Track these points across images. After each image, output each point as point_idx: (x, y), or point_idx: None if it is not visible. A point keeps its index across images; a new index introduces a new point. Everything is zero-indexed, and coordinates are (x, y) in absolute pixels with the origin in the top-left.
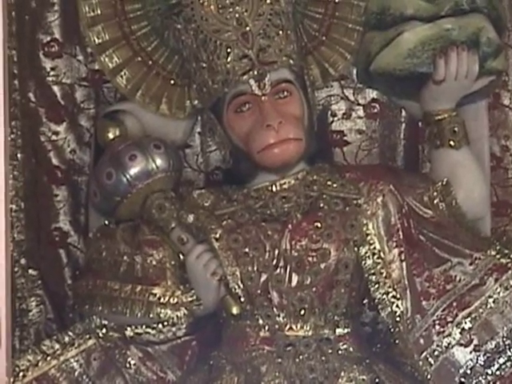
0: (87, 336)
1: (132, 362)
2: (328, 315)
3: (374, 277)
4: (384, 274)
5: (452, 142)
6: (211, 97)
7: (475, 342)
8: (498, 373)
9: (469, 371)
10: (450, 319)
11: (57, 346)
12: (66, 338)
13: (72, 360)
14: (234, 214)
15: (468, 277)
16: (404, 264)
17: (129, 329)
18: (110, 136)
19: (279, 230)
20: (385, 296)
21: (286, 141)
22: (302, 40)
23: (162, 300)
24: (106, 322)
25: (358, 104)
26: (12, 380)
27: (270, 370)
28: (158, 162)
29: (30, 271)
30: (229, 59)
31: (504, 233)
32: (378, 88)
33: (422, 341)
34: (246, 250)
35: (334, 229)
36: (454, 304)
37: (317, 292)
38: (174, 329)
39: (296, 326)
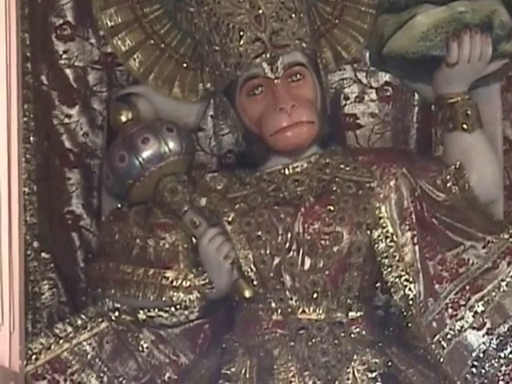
0: (100, 319)
1: (145, 345)
2: (341, 298)
3: (386, 260)
4: (397, 258)
5: (465, 126)
6: (224, 80)
7: (488, 325)
8: (510, 356)
9: (481, 354)
10: (462, 302)
11: (69, 329)
12: (79, 321)
13: (85, 343)
14: (246, 197)
15: (481, 260)
16: (417, 247)
17: (141, 312)
18: (123, 119)
19: (292, 214)
20: (397, 279)
21: (298, 124)
22: (314, 23)
23: (174, 283)
24: (118, 305)
25: (371, 87)
26: (25, 363)
27: (283, 354)
28: (171, 145)
29: (43, 254)
30: (241, 42)
31: None
32: (390, 71)
33: (434, 324)
34: (259, 233)
35: (346, 212)
36: (467, 287)
37: (329, 275)
38: (186, 312)
39: (309, 310)
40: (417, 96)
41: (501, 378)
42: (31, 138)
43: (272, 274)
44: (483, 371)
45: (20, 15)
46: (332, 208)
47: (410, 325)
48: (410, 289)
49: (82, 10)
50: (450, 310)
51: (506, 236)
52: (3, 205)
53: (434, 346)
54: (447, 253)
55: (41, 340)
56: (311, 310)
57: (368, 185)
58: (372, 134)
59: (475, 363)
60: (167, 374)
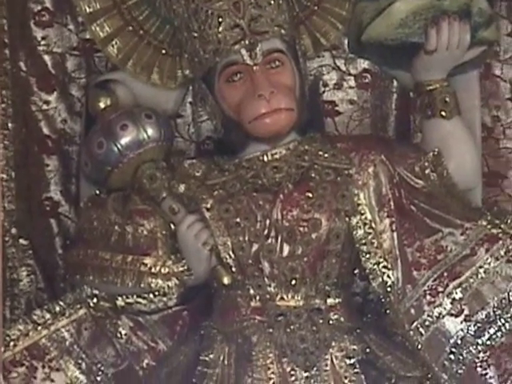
0: (78, 306)
1: (123, 332)
2: (319, 285)
3: (365, 247)
4: (375, 244)
5: (443, 113)
6: (202, 66)
7: (466, 312)
8: (488, 343)
9: (459, 341)
10: (440, 289)
11: (47, 316)
12: (57, 308)
13: (63, 330)
14: (225, 184)
15: (459, 247)
16: (395, 234)
17: (120, 299)
18: (101, 106)
19: (270, 200)
20: (376, 266)
21: (277, 111)
22: (293, 10)
23: (153, 270)
24: (96, 292)
25: (350, 74)
26: (3, 349)
27: (261, 340)
28: (149, 131)
29: (21, 241)
30: (220, 29)
31: (495, 203)
32: (369, 58)
33: (412, 311)
34: (237, 220)
35: (325, 199)
36: (445, 274)
37: (308, 262)
38: (165, 299)
39: (287, 296)
40: (395, 83)
41: (478, 364)
42: (9, 125)
43: (250, 261)
44: (461, 358)
45: None
46: (310, 195)
47: (388, 311)
48: (388, 275)
49: None
50: (428, 297)
51: (484, 223)
52: None
53: (412, 332)
54: (425, 239)
55: (19, 326)
56: (290, 296)
57: (346, 172)
58: (351, 120)
59: (453, 350)
60: (145, 361)
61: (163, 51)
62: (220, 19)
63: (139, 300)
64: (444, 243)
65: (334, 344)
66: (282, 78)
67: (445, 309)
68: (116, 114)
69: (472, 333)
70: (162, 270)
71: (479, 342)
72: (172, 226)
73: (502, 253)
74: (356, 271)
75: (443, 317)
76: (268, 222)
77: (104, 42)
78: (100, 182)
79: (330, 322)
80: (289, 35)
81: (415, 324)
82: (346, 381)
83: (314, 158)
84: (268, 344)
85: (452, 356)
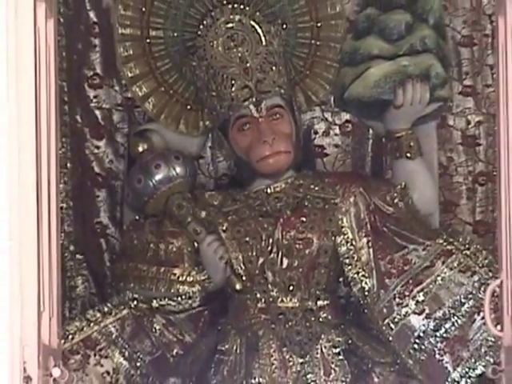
0: (122, 307)
1: (157, 327)
2: (311, 290)
3: (347, 260)
4: (355, 258)
5: (408, 154)
6: (219, 118)
7: (427, 311)
8: (444, 335)
9: (422, 334)
10: (407, 293)
11: (98, 315)
12: (105, 309)
13: (110, 326)
14: (237, 210)
15: (421, 260)
16: (371, 250)
17: (154, 301)
18: (140, 149)
19: (273, 223)
20: (356, 275)
21: (278, 153)
22: (290, 74)
23: (180, 278)
24: (136, 296)
25: (335, 124)
26: (63, 341)
27: (266, 334)
28: (178, 169)
29: (77, 256)
30: (233, 89)
31: (449, 225)
32: (350, 111)
33: (385, 310)
34: (247, 239)
35: (316, 222)
36: (410, 281)
37: (302, 272)
38: (190, 301)
39: (286, 299)
40: (371, 131)
41: (437, 352)
42: (68, 165)
43: (257, 271)
44: (423, 347)
45: (59, 68)
46: (304, 219)
47: (365, 311)
48: (365, 282)
49: (108, 63)
50: (397, 300)
51: (441, 241)
52: (44, 218)
53: (384, 327)
54: (395, 254)
55: (75, 323)
56: (288, 299)
57: (333, 201)
58: (336, 161)
59: (417, 341)
60: (175, 350)
61: (188, 107)
62: (233, 81)
63: (170, 302)
64: (409, 257)
65: (323, 337)
66: (281, 127)
67: (410, 309)
68: (151, 156)
69: (432, 327)
70: (188, 279)
71: (437, 334)
72: (195, 244)
73: (455, 264)
74: (340, 279)
75: (409, 315)
76: (271, 240)
77: (142, 99)
78: (139, 210)
79: (320, 319)
80: (287, 94)
81: (387, 321)
82: (333, 365)
83: (307, 190)
84: (271, 337)
85: (416, 346)
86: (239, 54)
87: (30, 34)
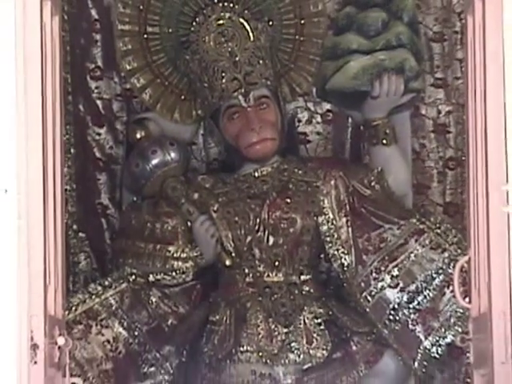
0: (121, 281)
1: (153, 300)
2: (295, 266)
3: (328, 238)
4: (335, 236)
5: (384, 141)
6: (211, 108)
7: (401, 285)
8: (417, 307)
9: (396, 306)
10: (383, 269)
11: (99, 288)
12: (106, 282)
13: (110, 298)
14: (227, 193)
15: (396, 238)
16: (350, 229)
17: (151, 276)
18: (138, 136)
19: (260, 205)
20: (336, 252)
21: (264, 140)
22: (276, 67)
23: (175, 255)
24: (134, 271)
25: (317, 113)
26: (67, 313)
27: (253, 306)
28: (172, 155)
29: (80, 234)
30: (223, 81)
31: (422, 206)
32: (331, 101)
33: (362, 284)
34: (236, 218)
35: (299, 203)
36: (386, 258)
37: (287, 249)
38: (183, 276)
39: (272, 274)
40: (350, 120)
41: (410, 322)
42: (71, 150)
43: (245, 249)
44: (397, 318)
45: (63, 61)
46: (289, 201)
47: (344, 285)
48: (345, 259)
49: (109, 57)
50: (373, 274)
51: (414, 220)
52: (50, 199)
53: (362, 300)
54: (372, 233)
55: (78, 296)
56: (274, 274)
57: (315, 184)
58: (318, 147)
59: (392, 312)
60: (170, 321)
61: (182, 97)
62: (223, 74)
63: (165, 277)
64: (385, 235)
65: (305, 308)
66: (267, 116)
67: (386, 283)
68: (148, 143)
69: (405, 300)
70: (182, 255)
71: (410, 306)
72: (189, 223)
73: (427, 242)
74: (322, 255)
75: (384, 288)
76: (258, 220)
77: (140, 90)
78: (137, 192)
79: (303, 292)
80: (273, 85)
81: (364, 294)
82: (315, 335)
83: (291, 174)
84: (258, 308)
85: (391, 317)
86: (229, 49)
87: (36, 30)
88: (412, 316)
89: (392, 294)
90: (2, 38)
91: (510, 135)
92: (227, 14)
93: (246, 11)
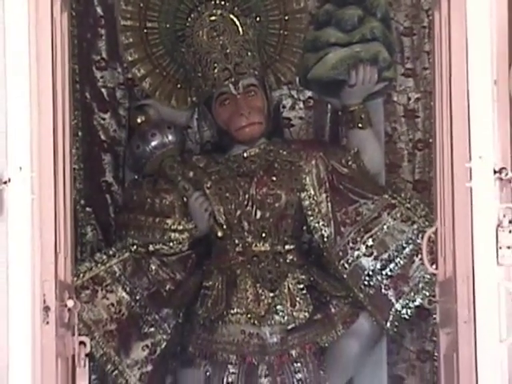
0: (124, 251)
1: (153, 267)
2: (280, 237)
3: (309, 212)
4: (316, 210)
5: (360, 125)
6: (204, 95)
7: (375, 254)
8: (389, 274)
9: (370, 273)
10: (358, 239)
11: (104, 257)
12: (110, 252)
13: (114, 266)
14: (219, 171)
15: (370, 212)
16: (329, 204)
17: (151, 246)
18: (139, 121)
19: (248, 182)
20: (317, 224)
21: (252, 124)
22: (263, 58)
23: (172, 227)
24: (135, 242)
25: (300, 100)
26: (75, 279)
27: (243, 273)
28: (170, 137)
29: (87, 209)
30: (215, 71)
31: (393, 183)
32: (312, 89)
33: (340, 253)
34: (227, 194)
35: (284, 181)
36: (362, 229)
37: (273, 222)
38: (180, 246)
39: (259, 244)
40: (329, 106)
41: (383, 287)
42: (79, 133)
43: (235, 221)
44: (371, 283)
45: (71, 53)
46: (274, 178)
47: (324, 254)
48: (324, 231)
49: (112, 50)
50: (350, 244)
51: (387, 196)
52: (60, 177)
53: (340, 267)
54: (349, 207)
55: (86, 264)
56: (261, 244)
57: (297, 163)
58: (300, 130)
59: (366, 278)
60: (167, 286)
61: (178, 85)
62: (215, 65)
63: (163, 247)
64: (361, 209)
65: (289, 275)
66: (255, 102)
67: (361, 252)
68: (148, 126)
69: (379, 267)
70: (178, 227)
71: (383, 273)
72: (185, 199)
73: (398, 215)
74: (304, 228)
75: (360, 257)
76: (247, 196)
77: (140, 79)
78: (138, 171)
79: (287, 260)
80: (260, 75)
81: (342, 262)
82: (298, 299)
83: (276, 155)
84: (247, 275)
85: (366, 282)
86: (220, 42)
87: (47, 25)
88: (385, 281)
89: (367, 262)
90: (17, 32)
91: (472, 119)
92: (219, 11)
93: (235, 8)
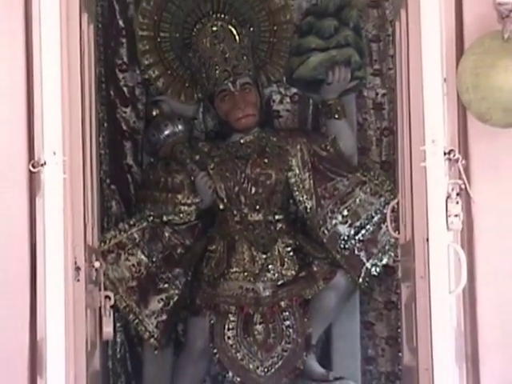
0: (142, 221)
1: (166, 235)
2: (271, 209)
3: (295, 188)
4: (301, 186)
5: (336, 116)
6: (207, 92)
7: (349, 222)
8: (361, 238)
9: (346, 237)
10: (336, 210)
11: (126, 226)
12: (131, 222)
13: (134, 233)
14: (220, 155)
15: (345, 187)
16: (311, 181)
17: (164, 217)
18: (154, 114)
19: (245, 164)
20: (301, 198)
21: (247, 115)
22: (256, 61)
23: (182, 201)
24: (152, 213)
25: (286, 95)
26: (103, 244)
27: (240, 238)
28: (180, 127)
29: (112, 186)
30: (217, 72)
31: (364, 164)
32: (297, 87)
33: (321, 222)
34: (227, 174)
35: (274, 162)
36: (338, 202)
37: (265, 196)
38: (188, 217)
39: (254, 215)
40: (311, 100)
41: (356, 249)
42: (104, 124)
43: (234, 196)
44: (347, 246)
45: (97, 58)
46: (266, 160)
47: (308, 223)
48: (307, 203)
49: (132, 55)
50: (329, 214)
51: (359, 174)
52: (88, 161)
53: (320, 233)
54: (328, 183)
55: (111, 232)
56: (255, 215)
57: (285, 148)
58: (287, 121)
59: (342, 242)
60: (178, 250)
61: (186, 84)
62: (217, 67)
63: (175, 217)
64: (337, 185)
65: (279, 240)
66: (250, 98)
67: (338, 221)
68: (162, 118)
69: (352, 233)
70: (187, 201)
71: (356, 238)
72: (192, 178)
73: (368, 190)
74: (290, 201)
75: (337, 225)
76: (243, 175)
77: (155, 79)
78: (153, 155)
79: (277, 228)
80: (254, 75)
81: (322, 229)
82: (286, 259)
83: (267, 141)
84: (244, 240)
85: (342, 245)
86: (221, 48)
87: (76, 35)
88: (357, 245)
89: (343, 229)
90: (52, 41)
91: (426, 110)
92: (219, 23)
93: (233, 20)
